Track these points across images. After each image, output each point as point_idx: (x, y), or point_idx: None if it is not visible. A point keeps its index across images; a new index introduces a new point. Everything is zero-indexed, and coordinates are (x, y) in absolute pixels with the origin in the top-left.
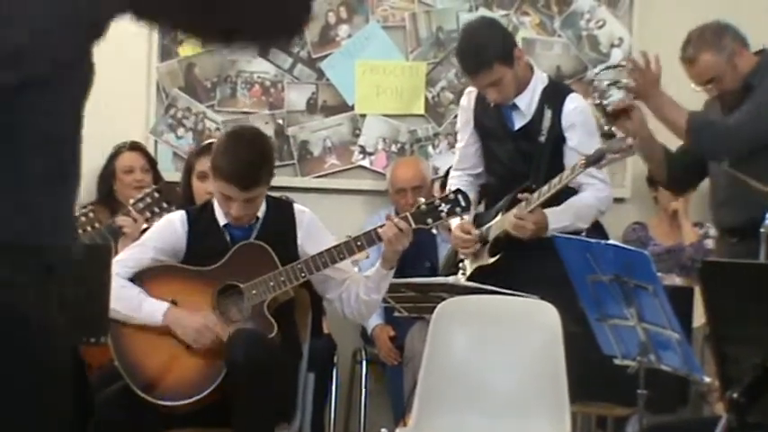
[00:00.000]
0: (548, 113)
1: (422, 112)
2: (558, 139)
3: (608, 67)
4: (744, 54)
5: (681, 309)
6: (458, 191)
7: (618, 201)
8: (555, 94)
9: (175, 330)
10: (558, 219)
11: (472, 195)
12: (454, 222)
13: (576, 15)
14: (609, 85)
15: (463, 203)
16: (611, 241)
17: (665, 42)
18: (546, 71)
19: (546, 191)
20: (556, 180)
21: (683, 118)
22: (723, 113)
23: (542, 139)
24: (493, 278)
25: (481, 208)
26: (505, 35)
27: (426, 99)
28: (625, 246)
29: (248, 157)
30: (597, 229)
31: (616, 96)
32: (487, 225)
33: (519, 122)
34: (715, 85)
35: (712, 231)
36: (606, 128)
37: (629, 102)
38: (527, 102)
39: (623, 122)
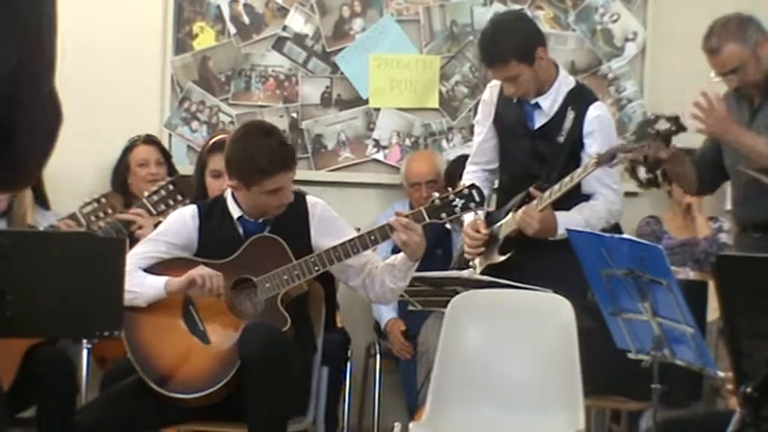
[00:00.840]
0: (570, 115)
1: (436, 105)
2: (576, 142)
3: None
4: (767, 45)
5: (695, 303)
6: (472, 185)
7: (632, 194)
8: (580, 99)
9: (179, 289)
10: (568, 223)
11: (486, 192)
12: (467, 219)
13: (590, 9)
14: (651, 139)
15: (477, 198)
16: (625, 235)
17: (678, 36)
18: (560, 65)
19: (557, 189)
20: (567, 179)
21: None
22: (740, 106)
23: (561, 139)
24: (503, 275)
25: (492, 205)
26: (530, 32)
27: (440, 93)
28: (639, 240)
29: (276, 142)
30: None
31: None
32: (498, 224)
33: (539, 121)
34: (738, 75)
35: (726, 225)
36: (647, 176)
37: (670, 150)
38: (549, 103)
39: (665, 167)
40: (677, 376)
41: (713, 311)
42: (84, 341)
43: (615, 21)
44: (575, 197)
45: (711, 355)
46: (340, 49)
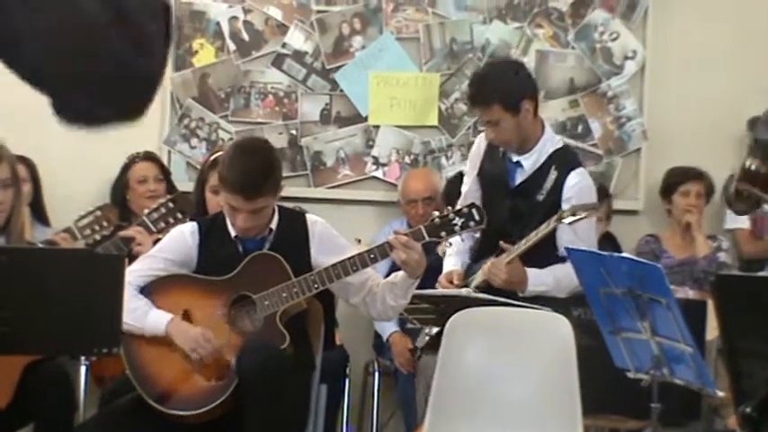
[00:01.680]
0: (552, 175)
1: (435, 123)
2: (555, 203)
3: None
4: None
5: (694, 322)
6: (472, 204)
7: (631, 213)
8: (564, 161)
9: (176, 340)
10: (539, 280)
11: (470, 243)
12: (444, 269)
13: (589, 28)
14: None
15: (477, 217)
16: (624, 254)
17: (678, 55)
18: (559, 83)
19: (523, 243)
20: (533, 234)
21: None
22: None
23: (540, 198)
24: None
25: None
26: (521, 83)
27: (440, 110)
28: (638, 258)
29: (253, 168)
30: (610, 242)
31: None
32: (471, 278)
33: (519, 178)
34: None
35: (725, 244)
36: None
37: None
38: (531, 162)
39: None
40: (676, 395)
41: (712, 331)
42: (83, 358)
43: (615, 39)
44: (551, 257)
45: (711, 375)
46: (339, 67)
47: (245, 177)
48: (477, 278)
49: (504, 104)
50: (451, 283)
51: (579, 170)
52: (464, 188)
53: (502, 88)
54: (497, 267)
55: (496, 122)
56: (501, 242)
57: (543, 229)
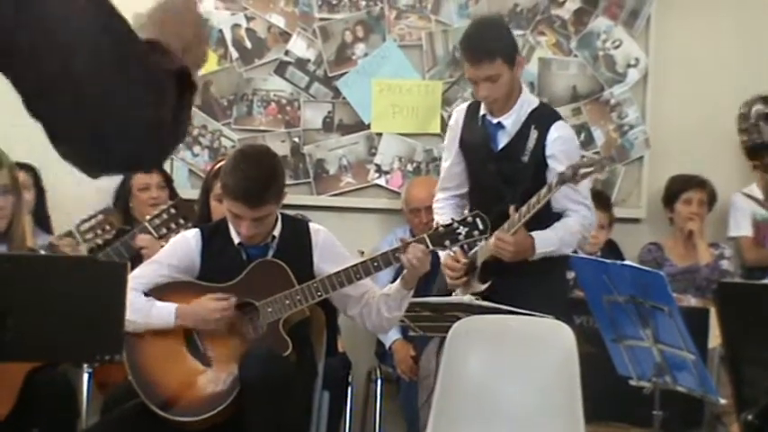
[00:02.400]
0: (533, 134)
1: (438, 131)
2: (540, 161)
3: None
4: None
5: (696, 330)
6: (476, 214)
7: (633, 221)
8: (543, 118)
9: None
10: (545, 243)
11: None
12: (442, 253)
13: (592, 35)
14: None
15: (481, 227)
16: (626, 262)
17: (680, 62)
18: (562, 91)
19: (526, 211)
20: (534, 200)
21: None
22: None
23: (525, 159)
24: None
25: None
26: (513, 37)
27: (442, 118)
28: (641, 266)
29: (255, 176)
30: (613, 250)
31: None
32: (473, 250)
33: (502, 142)
34: None
35: (727, 252)
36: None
37: None
38: (512, 122)
39: None
40: (679, 403)
41: (715, 338)
42: (85, 365)
43: (617, 47)
44: (546, 217)
45: (713, 382)
46: (342, 74)
47: (247, 185)
48: (483, 253)
49: (504, 58)
50: (458, 261)
51: (557, 124)
52: (444, 164)
53: (502, 42)
54: (504, 242)
55: (496, 77)
56: (510, 210)
57: (545, 194)
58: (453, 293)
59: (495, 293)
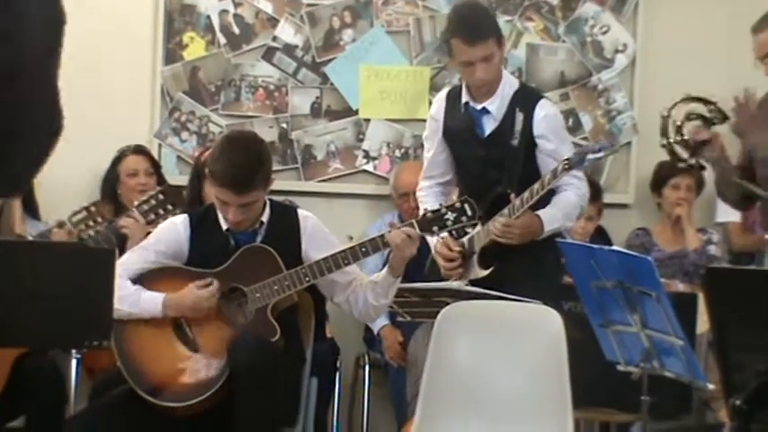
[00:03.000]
0: (519, 117)
1: (426, 116)
2: (530, 143)
3: (683, 101)
4: None
5: (684, 315)
6: (465, 199)
7: (621, 206)
8: (526, 99)
9: (179, 313)
10: (552, 220)
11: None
12: (431, 242)
13: (580, 21)
14: (687, 119)
15: (469, 212)
16: (614, 247)
17: (668, 48)
18: (550, 76)
19: (529, 197)
20: (538, 185)
21: None
22: None
23: (515, 142)
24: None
25: None
26: (495, 17)
27: (430, 104)
28: (629, 252)
29: (242, 162)
30: (601, 235)
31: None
32: (468, 236)
33: (489, 127)
34: None
35: (715, 237)
36: (688, 161)
37: (711, 133)
38: (497, 106)
39: (704, 152)
40: (667, 388)
41: (703, 324)
42: (73, 351)
43: (605, 32)
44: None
45: (701, 368)
46: (330, 60)
47: (234, 172)
48: (480, 239)
49: (496, 39)
50: (450, 250)
51: (541, 102)
52: (427, 154)
53: (493, 22)
54: (510, 226)
55: (491, 57)
56: (512, 196)
57: (550, 180)
58: (451, 281)
59: (494, 278)
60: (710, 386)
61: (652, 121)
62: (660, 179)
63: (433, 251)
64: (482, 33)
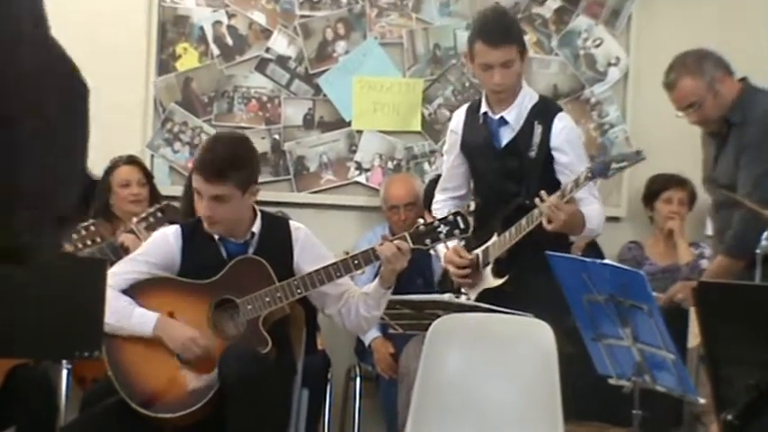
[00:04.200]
0: (538, 129)
1: (418, 128)
2: (547, 155)
3: None
4: (726, 81)
5: (676, 329)
6: (457, 213)
7: (613, 220)
8: (545, 111)
9: (164, 340)
10: (590, 219)
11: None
12: (441, 252)
13: (573, 34)
14: None
15: (462, 225)
16: (606, 260)
17: (661, 62)
18: (543, 89)
19: (569, 191)
20: (567, 189)
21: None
22: (709, 144)
23: (532, 154)
24: (503, 300)
25: None
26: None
27: (423, 116)
28: (621, 265)
29: (219, 151)
30: (593, 249)
31: None
32: (483, 246)
33: (506, 138)
34: (696, 110)
35: (707, 251)
36: None
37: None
38: (515, 116)
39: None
40: (658, 402)
41: (694, 338)
42: (64, 362)
43: (598, 46)
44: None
45: (692, 382)
46: (323, 72)
47: (209, 157)
48: (496, 249)
49: (519, 46)
50: (461, 257)
51: (560, 115)
52: (445, 166)
53: (518, 30)
54: (559, 208)
55: (511, 63)
56: (537, 201)
57: (572, 189)
58: (463, 290)
59: (509, 293)
60: (702, 400)
61: (645, 135)
62: (652, 193)
63: (442, 260)
64: (505, 38)
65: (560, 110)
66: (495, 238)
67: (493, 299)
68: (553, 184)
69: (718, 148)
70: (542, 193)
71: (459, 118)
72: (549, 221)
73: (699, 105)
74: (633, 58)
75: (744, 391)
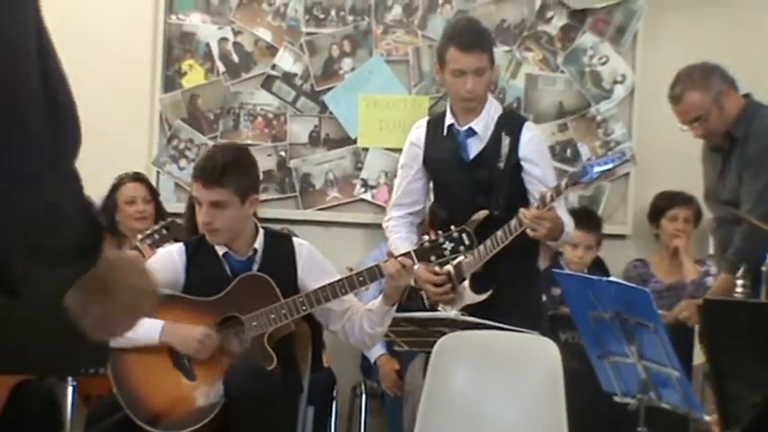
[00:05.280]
0: (506, 140)
1: None
2: (516, 166)
3: None
4: (731, 95)
5: (681, 346)
6: (462, 229)
7: (619, 237)
8: (511, 122)
9: (175, 344)
10: (567, 224)
11: (414, 237)
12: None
13: (579, 51)
14: None
15: (467, 242)
16: (612, 278)
17: (667, 79)
18: (549, 107)
19: (549, 199)
20: (548, 197)
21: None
22: (713, 158)
23: (501, 165)
24: (482, 313)
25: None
26: None
27: None
28: (626, 283)
29: (218, 157)
30: (599, 266)
31: None
32: (456, 261)
33: (474, 150)
34: (701, 124)
35: (713, 269)
36: None
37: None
38: (482, 126)
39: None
40: (663, 420)
41: (699, 355)
42: (69, 378)
43: (604, 63)
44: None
45: (697, 399)
46: (329, 89)
47: (205, 163)
48: (472, 263)
49: (489, 55)
50: (436, 274)
51: (527, 124)
52: (402, 181)
53: (490, 40)
54: (543, 218)
55: (483, 71)
56: (522, 212)
57: (552, 197)
58: (439, 309)
59: (486, 306)
60: (707, 417)
61: (650, 152)
62: (658, 210)
63: (412, 280)
64: (478, 44)
65: (525, 120)
66: (467, 255)
67: (473, 313)
68: (521, 195)
69: (723, 164)
70: (522, 210)
71: (419, 131)
72: (534, 231)
73: (704, 119)
74: (639, 75)
75: (749, 408)
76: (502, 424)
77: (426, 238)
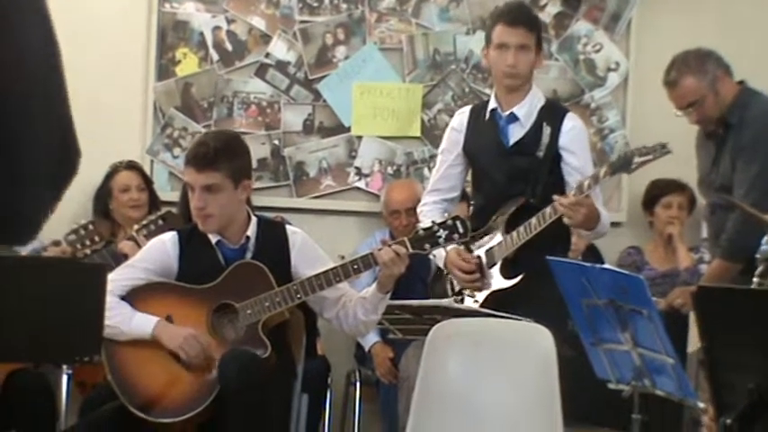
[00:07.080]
0: (546, 130)
1: (418, 134)
2: (555, 156)
3: None
4: (726, 81)
5: (675, 333)
6: (456, 217)
7: (613, 225)
8: (553, 113)
9: (163, 341)
10: (603, 216)
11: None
12: (440, 258)
13: (572, 39)
14: None
15: (461, 230)
16: (606, 265)
17: (661, 67)
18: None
19: (586, 186)
20: (585, 185)
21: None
22: (707, 145)
23: (540, 154)
24: (508, 302)
25: None
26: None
27: (422, 121)
28: (620, 270)
29: (210, 142)
30: (593, 254)
31: None
32: (487, 247)
33: (515, 136)
34: (696, 109)
35: (707, 256)
36: None
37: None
38: (525, 112)
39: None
40: (657, 407)
41: (694, 342)
42: (65, 366)
43: (598, 51)
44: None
45: (692, 386)
46: (323, 77)
47: (198, 149)
48: (503, 250)
49: (538, 38)
50: (465, 260)
51: (569, 115)
52: (441, 166)
53: (539, 23)
54: (579, 203)
55: (525, 49)
56: (555, 200)
57: (591, 186)
58: (464, 293)
59: (520, 294)
60: (701, 405)
61: (644, 140)
62: (652, 198)
63: (442, 264)
64: (525, 21)
65: (568, 110)
66: (499, 237)
67: (499, 301)
68: (559, 185)
69: (717, 151)
70: (557, 197)
71: (462, 117)
72: (569, 218)
73: (699, 104)
74: (633, 63)
75: (743, 395)
76: (496, 411)
77: (420, 225)
